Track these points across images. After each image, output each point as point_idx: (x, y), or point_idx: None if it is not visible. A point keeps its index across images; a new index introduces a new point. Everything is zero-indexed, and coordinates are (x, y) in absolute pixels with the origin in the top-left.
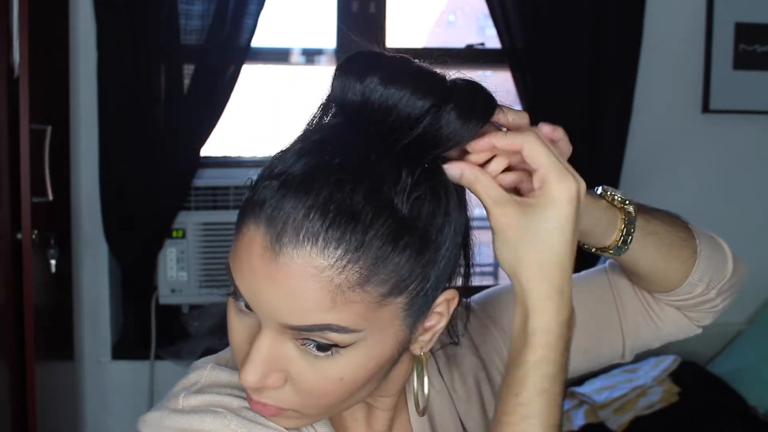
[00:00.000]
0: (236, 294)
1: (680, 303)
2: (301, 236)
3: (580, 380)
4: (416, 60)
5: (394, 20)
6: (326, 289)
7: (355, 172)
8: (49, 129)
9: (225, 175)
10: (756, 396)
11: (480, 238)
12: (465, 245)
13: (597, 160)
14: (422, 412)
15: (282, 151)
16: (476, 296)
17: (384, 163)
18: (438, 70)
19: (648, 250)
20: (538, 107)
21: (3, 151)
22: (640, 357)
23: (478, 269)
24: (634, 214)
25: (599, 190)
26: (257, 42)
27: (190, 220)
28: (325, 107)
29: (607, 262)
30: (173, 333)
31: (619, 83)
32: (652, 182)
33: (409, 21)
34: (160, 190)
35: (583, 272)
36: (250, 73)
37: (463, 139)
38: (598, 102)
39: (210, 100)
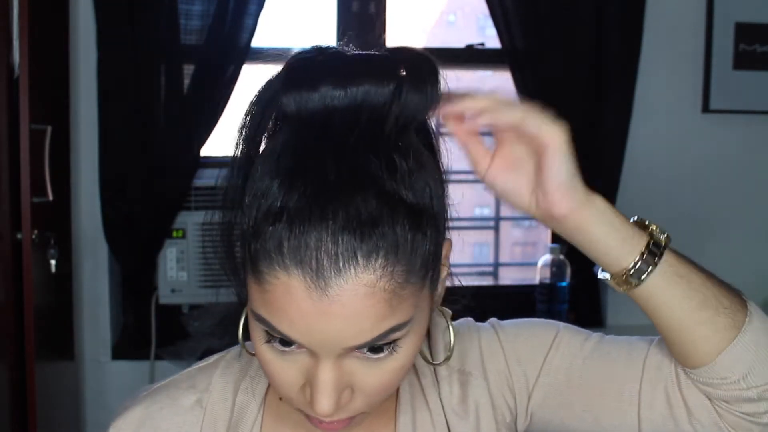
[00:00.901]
0: (272, 338)
1: (709, 389)
2: (340, 264)
3: None
4: (341, 47)
5: (394, 20)
6: (382, 299)
7: (356, 180)
8: (49, 129)
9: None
10: None
11: (479, 238)
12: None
13: (597, 160)
14: (449, 358)
15: (258, 182)
16: (504, 322)
17: (374, 159)
18: (363, 50)
19: (673, 295)
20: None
21: (3, 151)
22: None
23: (478, 269)
24: (663, 243)
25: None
26: (257, 42)
27: (190, 220)
28: (259, 122)
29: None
30: (173, 333)
31: (619, 83)
32: (652, 182)
33: (409, 21)
34: (160, 190)
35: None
36: (250, 73)
37: (427, 106)
38: (598, 102)
39: (210, 100)
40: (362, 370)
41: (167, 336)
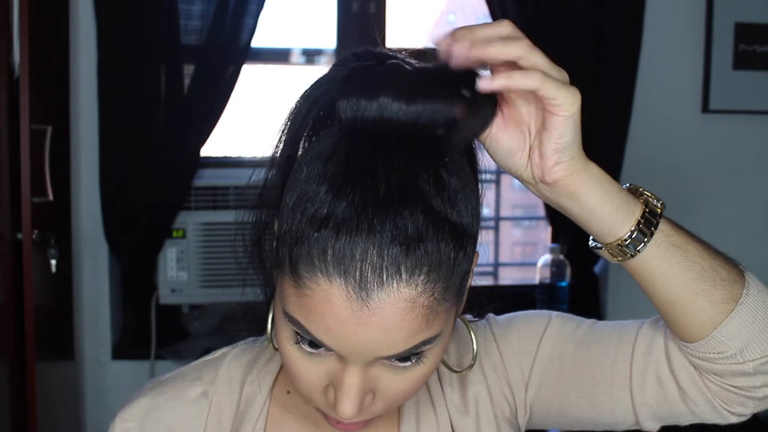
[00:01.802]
0: (301, 339)
1: (705, 363)
2: (384, 277)
3: None
4: (404, 56)
5: (394, 20)
6: (420, 314)
7: (405, 194)
8: (49, 129)
9: (225, 175)
10: None
11: (478, 238)
12: None
13: (597, 160)
14: (472, 366)
15: (303, 185)
16: (499, 317)
17: (423, 174)
18: (426, 64)
19: (669, 266)
20: None
21: (3, 151)
22: None
23: (477, 269)
24: (659, 211)
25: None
26: (257, 42)
27: (190, 220)
28: (302, 121)
29: (652, 318)
30: (173, 333)
31: (619, 83)
32: (652, 182)
33: (409, 21)
34: (160, 190)
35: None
36: (250, 73)
37: (483, 127)
38: (598, 102)
39: (210, 100)
40: (387, 377)
41: (167, 336)
